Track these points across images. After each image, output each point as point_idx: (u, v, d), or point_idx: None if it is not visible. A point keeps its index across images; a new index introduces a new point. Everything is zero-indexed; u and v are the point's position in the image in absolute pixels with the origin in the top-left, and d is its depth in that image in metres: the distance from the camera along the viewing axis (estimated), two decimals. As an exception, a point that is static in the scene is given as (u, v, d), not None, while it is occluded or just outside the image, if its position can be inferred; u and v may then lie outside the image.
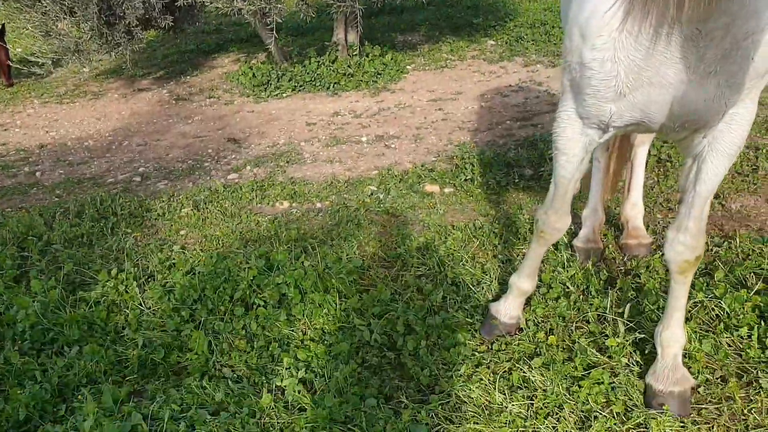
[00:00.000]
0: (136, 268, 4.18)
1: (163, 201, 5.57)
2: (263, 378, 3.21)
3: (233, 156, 6.94)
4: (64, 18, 8.58)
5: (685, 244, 2.84)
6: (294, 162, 6.62)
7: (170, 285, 3.92)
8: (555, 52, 9.73)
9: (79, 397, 2.98)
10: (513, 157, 5.94)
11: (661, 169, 5.42)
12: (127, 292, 3.91)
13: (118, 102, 9.32)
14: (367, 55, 9.59)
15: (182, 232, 5.01)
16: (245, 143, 7.32)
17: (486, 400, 2.98)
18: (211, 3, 8.02)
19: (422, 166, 6.13)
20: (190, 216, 5.26)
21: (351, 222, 4.98)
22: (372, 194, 5.60)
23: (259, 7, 7.19)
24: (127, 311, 3.76)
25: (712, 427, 2.76)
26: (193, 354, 3.37)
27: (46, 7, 8.43)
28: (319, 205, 5.49)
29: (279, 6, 7.35)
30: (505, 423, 2.83)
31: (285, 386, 3.10)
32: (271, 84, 9.13)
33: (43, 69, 9.51)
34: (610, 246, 4.33)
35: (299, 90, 9.03)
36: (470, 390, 3.03)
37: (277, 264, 3.93)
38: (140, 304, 3.82)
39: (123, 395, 3.06)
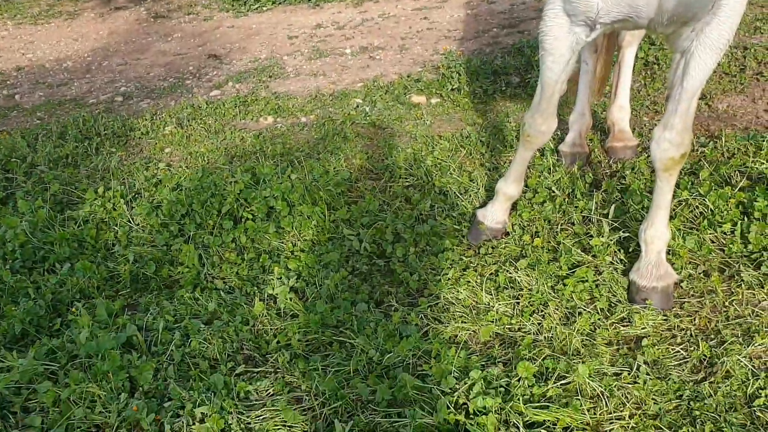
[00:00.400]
0: (122, 186, 4.16)
1: (146, 120, 5.49)
2: (255, 288, 3.26)
3: (215, 72, 6.81)
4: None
5: (671, 141, 2.83)
6: (277, 76, 6.52)
7: (157, 201, 3.92)
8: (542, -44, 9.44)
9: (74, 311, 3.02)
10: (500, 65, 5.86)
11: (648, 72, 5.36)
12: (115, 209, 3.91)
13: (95, 21, 9.06)
14: (349, -35, 9.28)
15: (167, 150, 4.97)
16: (226, 59, 7.17)
17: (473, 301, 3.04)
18: None
19: (408, 76, 6.05)
20: (173, 134, 5.20)
21: (337, 135, 4.94)
22: (358, 107, 5.53)
23: None
24: (116, 228, 3.77)
25: (694, 319, 2.84)
26: (184, 267, 3.40)
27: None
28: (303, 119, 5.44)
29: None
30: (492, 321, 2.90)
31: (276, 294, 3.14)
32: (251, -3, 8.88)
33: (14, -11, 9.20)
34: (596, 150, 4.33)
35: (279, 3, 8.79)
36: (458, 292, 3.09)
37: (263, 178, 3.92)
38: (129, 221, 3.83)
39: (117, 308, 3.11)
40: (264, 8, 8.67)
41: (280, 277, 3.25)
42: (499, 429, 2.24)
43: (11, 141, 5.05)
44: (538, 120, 3.23)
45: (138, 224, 3.81)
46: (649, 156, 3.07)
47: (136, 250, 3.55)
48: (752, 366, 2.52)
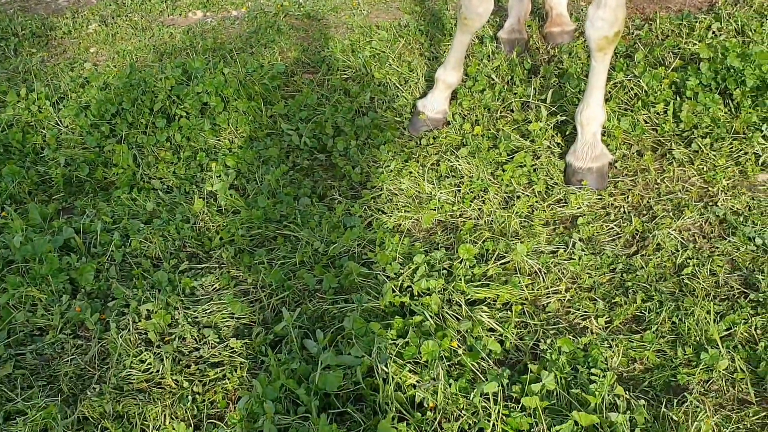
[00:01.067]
0: (47, 88, 3.96)
1: (67, 18, 5.18)
2: (193, 186, 3.20)
3: (138, -34, 6.40)
4: None
5: (604, 19, 2.82)
6: (205, -31, 6.17)
7: (85, 102, 3.75)
8: None
9: (4, 214, 2.92)
10: (436, -49, 5.67)
11: (587, -44, 5.28)
12: (40, 112, 3.73)
13: None
14: None
15: (92, 50, 4.72)
16: (149, -49, 6.73)
17: (416, 190, 3.06)
18: None
19: (342, -35, 5.80)
20: (98, 32, 4.93)
21: (270, 28, 4.77)
22: (291, -2, 5.32)
23: None
24: (44, 131, 3.61)
25: (627, 197, 2.93)
26: (118, 168, 3.30)
27: None
28: (234, 12, 5.21)
29: None
30: (435, 209, 2.93)
31: (216, 191, 3.10)
32: None
33: None
34: (534, 36, 4.30)
35: None
36: (400, 183, 3.10)
37: (194, 73, 3.77)
38: (57, 123, 3.66)
39: (51, 212, 3.02)
40: None
41: (219, 175, 3.20)
42: (443, 308, 2.30)
43: None
44: (474, 1, 3.17)
45: (67, 126, 3.65)
46: (585, 40, 3.06)
47: (67, 153, 3.42)
48: (681, 238, 2.63)
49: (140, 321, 2.38)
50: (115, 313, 2.43)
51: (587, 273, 2.52)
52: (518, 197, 2.95)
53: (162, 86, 3.62)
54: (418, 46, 4.28)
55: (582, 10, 4.53)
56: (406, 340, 2.13)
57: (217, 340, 2.32)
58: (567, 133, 3.27)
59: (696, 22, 4.03)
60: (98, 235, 2.82)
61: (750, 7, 4.18)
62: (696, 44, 3.71)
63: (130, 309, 2.42)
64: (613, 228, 2.76)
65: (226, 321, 2.43)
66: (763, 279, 2.37)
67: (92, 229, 2.87)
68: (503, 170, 3.08)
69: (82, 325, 2.43)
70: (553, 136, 3.28)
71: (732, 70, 3.28)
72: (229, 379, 2.16)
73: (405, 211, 2.94)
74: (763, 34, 3.76)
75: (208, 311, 2.46)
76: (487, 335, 2.20)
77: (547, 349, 2.15)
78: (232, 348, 2.28)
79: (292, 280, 2.57)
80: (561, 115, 3.33)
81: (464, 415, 1.92)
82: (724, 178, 2.90)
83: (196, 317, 2.43)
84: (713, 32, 3.91)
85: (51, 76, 4.24)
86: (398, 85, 3.86)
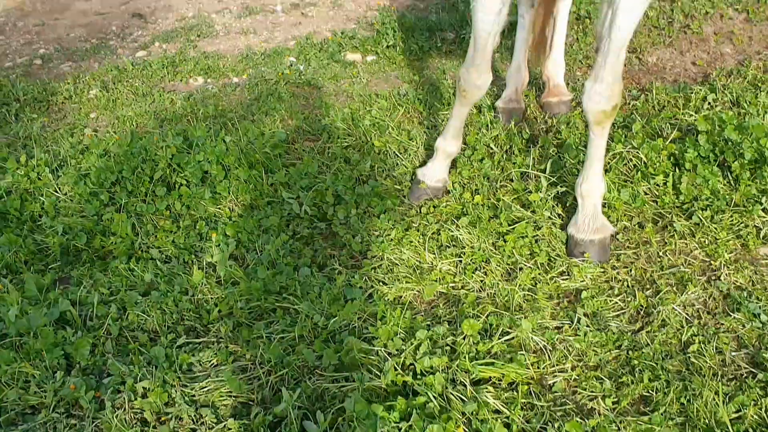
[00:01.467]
0: (46, 155, 3.96)
1: (69, 83, 5.23)
2: (192, 256, 3.17)
3: (140, 32, 6.52)
4: None
5: (602, 94, 2.86)
6: (205, 35, 6.29)
7: (85, 169, 3.74)
8: None
9: (0, 287, 2.88)
10: (435, 21, 5.80)
11: (580, 26, 5.40)
12: (39, 179, 3.72)
13: (6, -22, 8.50)
14: None
15: (92, 115, 4.75)
16: (151, 18, 6.87)
17: (416, 260, 3.04)
18: None
19: (342, 34, 5.92)
20: (99, 98, 4.97)
21: (271, 96, 4.81)
22: (291, 65, 5.40)
23: None
24: (42, 199, 3.59)
25: (630, 270, 2.91)
26: (117, 237, 3.28)
27: None
28: (236, 79, 5.28)
29: None
30: (436, 280, 2.91)
31: (216, 262, 3.07)
32: (174, -48, 8.47)
33: None
34: (532, 105, 4.35)
35: (206, -42, 8.43)
36: (401, 252, 3.08)
37: (196, 141, 3.78)
38: (55, 191, 3.65)
39: (47, 283, 2.98)
40: (189, -37, 8.30)
41: (219, 244, 3.17)
42: (447, 387, 2.25)
43: None
44: (473, 74, 3.22)
45: (65, 194, 3.64)
46: (582, 111, 3.09)
47: (64, 221, 3.39)
48: (686, 314, 2.61)
49: (136, 399, 2.31)
50: (111, 391, 2.37)
51: (593, 350, 2.48)
52: (521, 269, 2.93)
53: (163, 154, 3.62)
54: (417, 115, 4.32)
55: (579, 80, 4.60)
56: (410, 423, 2.07)
57: (215, 420, 2.26)
58: (568, 204, 3.27)
59: (691, 93, 4.09)
60: (95, 308, 2.78)
61: (744, 78, 4.26)
62: (693, 115, 3.76)
63: (126, 386, 2.36)
64: (617, 303, 2.73)
65: (224, 399, 2.37)
66: (771, 358, 2.33)
67: (89, 301, 2.83)
68: (505, 241, 3.07)
69: (76, 403, 2.36)
70: (553, 206, 3.28)
71: (730, 143, 3.31)
72: (226, 463, 2.09)
73: (406, 282, 2.91)
74: (758, 106, 3.82)
75: (206, 389, 2.40)
76: (493, 418, 2.15)
77: (554, 433, 2.10)
78: (230, 429, 2.22)
79: (291, 356, 2.51)
80: (561, 186, 3.34)
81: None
82: (726, 251, 2.89)
83: (194, 395, 2.37)
84: (709, 103, 3.96)
85: (51, 141, 4.25)
86: (398, 154, 3.88)
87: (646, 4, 2.67)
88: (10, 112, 4.72)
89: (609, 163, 3.44)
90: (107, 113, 4.73)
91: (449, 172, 3.57)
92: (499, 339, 2.50)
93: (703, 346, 2.44)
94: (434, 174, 3.51)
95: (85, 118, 4.69)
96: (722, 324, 2.56)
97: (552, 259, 3.00)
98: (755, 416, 2.15)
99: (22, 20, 7.12)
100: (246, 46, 5.94)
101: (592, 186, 3.05)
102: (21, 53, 6.22)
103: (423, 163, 3.69)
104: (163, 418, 2.28)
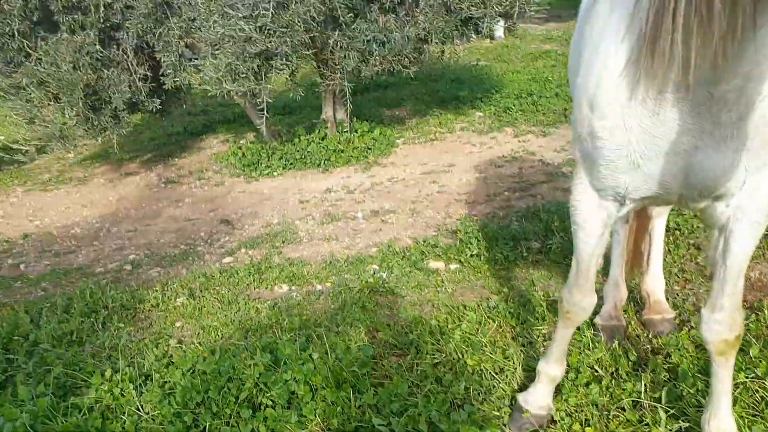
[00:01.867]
0: (131, 368, 3.88)
1: (157, 290, 5.31)
2: (278, 490, 2.92)
3: (227, 238, 6.73)
4: (49, 104, 8.45)
5: (722, 323, 2.66)
6: (290, 242, 6.43)
7: (170, 386, 3.63)
8: (544, 122, 9.74)
9: None
10: (518, 230, 5.78)
11: (671, 238, 5.26)
12: (123, 395, 3.61)
13: (105, 187, 9.14)
14: (356, 131, 9.55)
15: (178, 324, 4.74)
16: (238, 224, 7.13)
17: (526, 506, 2.70)
18: (200, 85, 7.96)
19: (424, 241, 5.95)
20: (185, 305, 5.00)
21: (355, 305, 4.74)
22: (374, 273, 5.38)
23: (248, 88, 7.12)
24: (124, 417, 3.45)
25: None
26: (198, 465, 3.07)
27: (30, 94, 8.31)
28: (319, 287, 5.26)
29: (268, 87, 7.29)
30: None
31: (303, 500, 2.80)
32: (261, 163, 9.03)
33: (27, 156, 9.36)
34: (632, 322, 4.12)
35: (290, 168, 8.92)
36: (508, 495, 2.75)
37: (284, 359, 3.66)
38: (138, 409, 3.52)
39: None
40: (275, 173, 8.78)
41: (307, 477, 2.92)
42: None
43: (14, 316, 4.82)
44: (577, 295, 3.06)
45: (148, 413, 3.50)
46: (690, 330, 2.87)
47: (145, 445, 3.22)
48: None
49: None
50: None
51: None
52: None
53: (250, 373, 3.49)
54: (509, 330, 4.13)
55: (678, 295, 4.38)
56: None
57: None
58: (694, 442, 2.93)
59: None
60: None
61: None
62: (818, 338, 3.45)
63: None
64: None
65: None
66: None
67: None
68: (626, 486, 2.72)
69: None
70: (677, 444, 2.94)
71: None
72: None
73: None
74: None
75: None
76: None
77: None
78: None
79: None
80: (683, 420, 3.02)
81: None
82: None
83: None
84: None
85: (135, 352, 4.21)
86: (494, 374, 3.64)
87: (763, 227, 2.53)
88: (98, 320, 4.75)
89: (732, 394, 3.11)
90: (193, 322, 4.72)
91: (553, 398, 3.30)
92: None
93: None
94: (538, 401, 3.24)
95: (171, 327, 4.68)
96: None
97: None
98: None
99: (115, 226, 7.50)
100: (329, 253, 6.01)
101: (721, 424, 2.74)
102: (112, 258, 6.45)
103: (523, 387, 3.44)
104: None
